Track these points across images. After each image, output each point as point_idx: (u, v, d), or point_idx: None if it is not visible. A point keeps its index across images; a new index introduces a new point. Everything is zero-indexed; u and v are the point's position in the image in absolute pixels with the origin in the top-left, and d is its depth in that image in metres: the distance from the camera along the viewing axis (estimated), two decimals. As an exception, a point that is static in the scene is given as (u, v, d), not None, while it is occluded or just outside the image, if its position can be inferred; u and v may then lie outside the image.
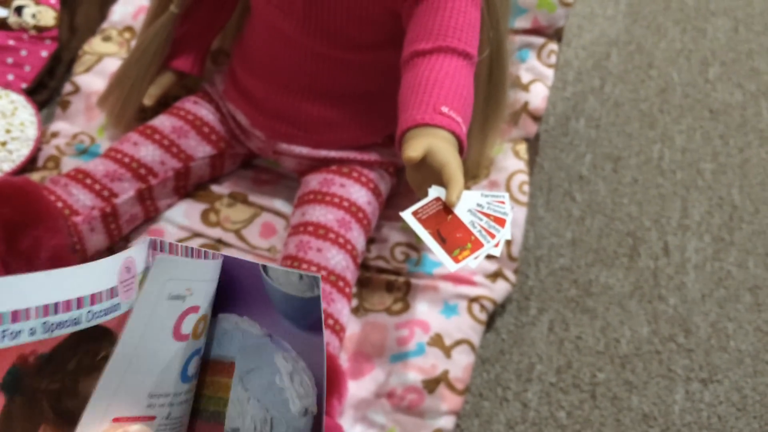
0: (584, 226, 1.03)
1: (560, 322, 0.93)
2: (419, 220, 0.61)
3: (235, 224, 0.91)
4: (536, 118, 1.00)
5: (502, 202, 0.63)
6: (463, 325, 0.84)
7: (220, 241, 0.90)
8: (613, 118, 1.18)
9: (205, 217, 0.91)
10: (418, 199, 0.66)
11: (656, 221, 1.05)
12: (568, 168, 1.10)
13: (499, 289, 0.88)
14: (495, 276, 0.89)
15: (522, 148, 0.99)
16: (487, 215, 0.61)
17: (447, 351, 0.82)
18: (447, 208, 0.61)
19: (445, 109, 0.67)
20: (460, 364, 0.82)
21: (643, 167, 1.12)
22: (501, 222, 0.61)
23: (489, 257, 0.88)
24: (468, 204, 0.62)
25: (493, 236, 0.60)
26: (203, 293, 0.30)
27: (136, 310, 0.27)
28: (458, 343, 0.83)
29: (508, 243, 0.91)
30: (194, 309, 0.29)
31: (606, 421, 0.85)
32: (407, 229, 0.91)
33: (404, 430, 0.77)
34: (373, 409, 0.78)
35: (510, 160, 0.97)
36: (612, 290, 0.97)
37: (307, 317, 0.31)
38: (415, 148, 0.63)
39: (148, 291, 0.27)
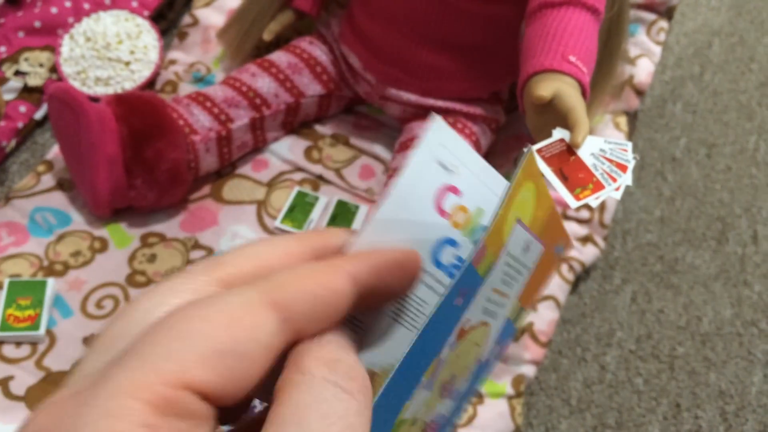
0: (674, 206, 1.03)
1: (643, 294, 0.94)
2: (543, 157, 0.62)
3: (336, 163, 0.94)
4: (639, 92, 1.01)
5: (625, 150, 0.64)
6: (551, 283, 0.86)
7: (320, 177, 0.93)
8: (710, 105, 1.18)
9: (308, 153, 0.95)
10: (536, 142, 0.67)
11: (747, 210, 1.04)
12: (662, 149, 1.10)
13: (588, 253, 0.90)
14: (585, 240, 0.90)
15: (622, 120, 0.99)
16: (610, 160, 0.63)
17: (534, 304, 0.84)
18: (570, 150, 0.63)
19: (572, 58, 0.68)
20: (544, 318, 0.83)
21: (738, 156, 1.11)
22: (623, 168, 0.62)
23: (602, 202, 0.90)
24: (591, 148, 0.63)
25: (614, 180, 0.61)
26: (468, 184, 0.30)
27: (410, 164, 0.28)
28: (545, 298, 0.85)
29: (601, 210, 0.92)
30: (455, 191, 0.29)
31: (682, 393, 0.86)
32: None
33: (488, 372, 0.79)
34: (459, 349, 0.81)
35: (609, 131, 0.98)
36: (697, 270, 0.97)
37: None
38: (545, 88, 0.65)
39: (423, 148, 0.28)
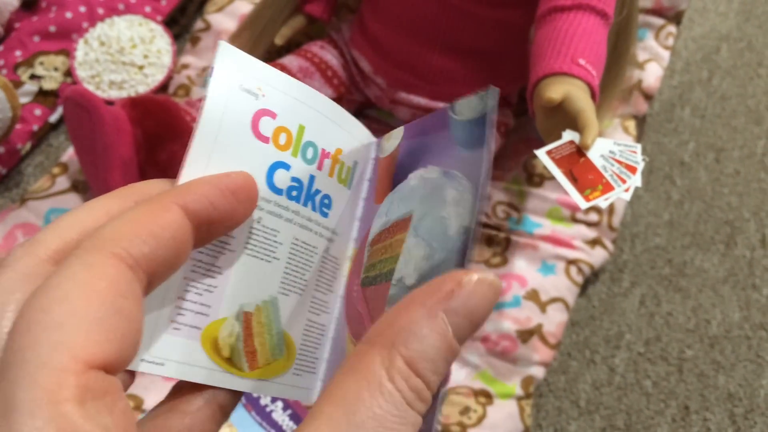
0: (683, 209, 1.04)
1: (652, 297, 0.94)
2: (552, 159, 0.63)
3: (347, 166, 0.95)
4: (648, 96, 1.02)
5: (634, 152, 0.65)
6: (560, 285, 0.87)
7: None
8: (719, 110, 1.18)
9: (319, 156, 0.96)
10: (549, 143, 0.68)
11: (755, 213, 1.05)
12: (671, 153, 1.11)
13: (597, 256, 0.90)
14: (594, 243, 0.91)
15: (631, 124, 1.00)
16: (619, 162, 0.64)
17: (542, 306, 0.85)
18: (580, 151, 0.64)
19: (582, 61, 0.69)
20: (554, 320, 0.84)
21: (746, 161, 1.11)
22: (632, 169, 0.63)
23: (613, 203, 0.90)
24: (600, 150, 0.64)
25: (624, 181, 0.62)
26: (281, 104, 0.29)
27: (209, 92, 0.27)
28: (554, 300, 0.85)
29: (610, 213, 0.93)
30: (270, 113, 0.29)
31: (691, 395, 0.86)
32: (510, 189, 0.94)
33: (497, 373, 0.80)
34: (468, 350, 0.81)
35: (618, 135, 0.99)
36: (706, 273, 0.97)
37: (475, 135, 0.29)
38: (555, 91, 0.65)
39: (217, 76, 0.27)
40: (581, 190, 0.62)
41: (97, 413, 0.17)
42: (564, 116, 0.66)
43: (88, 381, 0.17)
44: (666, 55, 1.03)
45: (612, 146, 0.65)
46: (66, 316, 0.18)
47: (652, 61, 1.02)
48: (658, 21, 1.04)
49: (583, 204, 0.61)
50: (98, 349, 0.18)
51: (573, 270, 0.88)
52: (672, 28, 1.04)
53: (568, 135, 0.65)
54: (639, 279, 0.96)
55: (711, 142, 1.13)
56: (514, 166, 0.97)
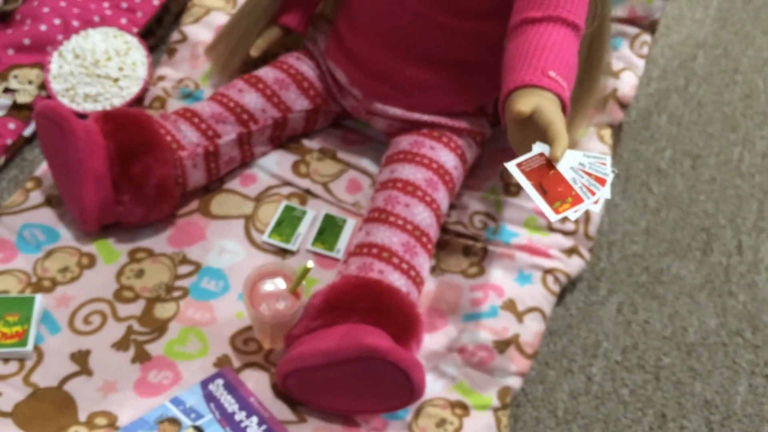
0: (659, 217, 1.04)
1: (629, 305, 0.94)
2: (523, 171, 0.63)
3: (324, 177, 0.95)
4: (623, 105, 1.02)
5: (604, 164, 0.65)
6: (537, 294, 0.87)
7: (308, 192, 0.94)
8: (695, 117, 1.19)
9: (295, 167, 0.96)
10: (514, 158, 0.68)
11: (732, 220, 1.05)
12: (647, 160, 1.11)
13: (574, 265, 0.91)
14: (570, 252, 0.91)
15: (606, 133, 1.01)
16: (589, 174, 0.64)
17: (519, 316, 0.85)
18: (550, 164, 0.64)
19: (552, 74, 0.69)
20: (530, 330, 0.84)
21: (722, 167, 1.12)
22: (602, 181, 0.63)
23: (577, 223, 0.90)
24: (570, 162, 0.64)
25: (593, 193, 0.62)
26: None
27: None
28: (530, 310, 0.85)
29: (586, 222, 0.93)
30: None
31: (668, 403, 0.87)
32: (487, 199, 0.94)
33: (473, 384, 0.80)
34: (445, 361, 0.81)
35: (594, 143, 0.99)
36: (683, 281, 0.98)
37: None
38: (524, 104, 0.66)
39: None
40: (551, 202, 0.62)
41: None
42: (534, 129, 0.67)
43: None
44: (641, 63, 1.04)
45: (582, 158, 0.66)
46: None
47: (627, 70, 1.03)
48: (632, 30, 1.05)
49: (553, 216, 0.61)
50: None
51: (550, 279, 0.88)
52: (647, 37, 1.05)
53: (538, 147, 0.65)
54: (616, 287, 0.96)
55: (687, 150, 1.14)
56: (491, 175, 0.97)
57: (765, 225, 1.05)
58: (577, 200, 0.62)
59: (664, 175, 1.10)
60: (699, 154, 1.13)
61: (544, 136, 0.66)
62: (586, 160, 0.66)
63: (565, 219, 0.62)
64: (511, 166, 0.64)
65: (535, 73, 0.69)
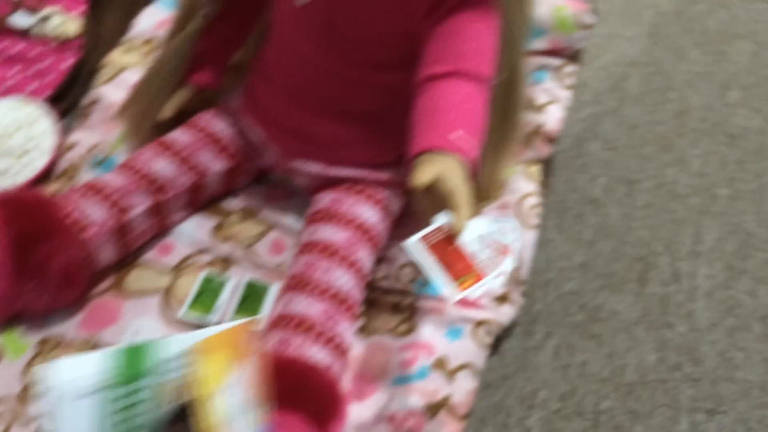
0: (595, 249, 1.03)
1: (566, 347, 0.93)
2: (427, 245, 0.61)
3: (246, 239, 0.92)
4: (550, 140, 1.01)
5: (508, 231, 0.63)
6: (468, 349, 0.85)
7: (226, 260, 0.91)
8: (628, 140, 1.18)
9: (216, 232, 0.93)
10: (425, 225, 0.66)
11: (668, 246, 1.04)
12: (581, 190, 1.10)
13: (505, 313, 0.89)
14: (502, 299, 0.89)
15: (535, 170, 0.99)
16: (492, 244, 0.62)
17: (450, 375, 0.83)
18: (452, 237, 0.62)
19: (455, 135, 0.67)
20: (462, 389, 0.82)
21: (657, 191, 1.11)
22: (505, 251, 0.61)
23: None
24: (474, 232, 0.62)
25: (495, 268, 0.60)
26: None
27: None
28: (462, 367, 0.83)
29: (518, 266, 0.91)
30: None
31: (608, 450, 0.85)
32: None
33: (404, 454, 0.77)
34: None
35: (522, 182, 0.97)
36: (620, 316, 0.96)
37: None
38: (424, 174, 0.64)
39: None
40: (455, 278, 0.60)
41: None
42: (439, 196, 0.64)
43: None
44: (567, 95, 1.02)
45: (487, 226, 0.64)
46: None
47: (553, 104, 1.01)
48: (555, 62, 1.03)
49: (455, 296, 0.59)
50: None
51: (481, 332, 0.86)
52: (571, 68, 1.03)
53: (442, 219, 0.63)
54: (553, 329, 0.94)
55: (622, 175, 1.13)
56: (419, 224, 0.95)
57: (701, 248, 1.04)
58: (479, 277, 0.60)
59: (599, 204, 1.09)
60: (633, 179, 1.12)
61: (447, 205, 0.64)
62: (493, 227, 0.64)
63: (464, 298, 0.60)
64: (413, 242, 0.62)
65: (437, 136, 0.67)
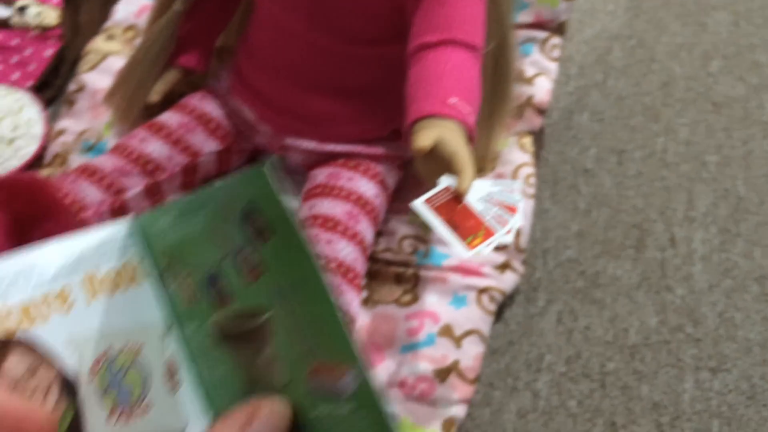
0: (590, 218, 1.03)
1: (568, 312, 0.93)
2: (432, 207, 0.61)
3: (243, 219, 0.91)
4: (541, 111, 1.01)
5: (513, 191, 0.63)
6: (473, 316, 0.84)
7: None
8: (616, 111, 1.18)
9: (212, 212, 0.92)
10: (428, 190, 0.66)
11: (662, 213, 1.05)
12: (573, 161, 1.10)
13: (508, 280, 0.89)
14: (503, 267, 0.89)
15: (527, 141, 0.99)
16: (499, 203, 0.62)
17: (457, 341, 0.82)
18: (458, 197, 0.62)
19: (452, 101, 0.67)
20: (470, 354, 0.82)
21: (648, 160, 1.12)
22: (512, 210, 0.61)
23: (499, 247, 0.88)
24: (479, 193, 0.62)
25: (504, 224, 0.60)
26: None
27: None
28: (468, 333, 0.83)
29: (517, 234, 0.92)
30: None
31: (616, 410, 0.85)
32: (414, 222, 0.92)
33: (417, 419, 0.77)
34: (385, 399, 0.78)
35: (515, 153, 0.98)
36: (619, 281, 0.97)
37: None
38: (424, 138, 0.63)
39: None
40: (464, 237, 0.60)
41: None
42: (440, 160, 0.64)
43: None
44: (554, 67, 1.03)
45: (490, 187, 0.63)
46: None
47: (541, 75, 1.01)
48: (541, 34, 1.04)
49: (466, 253, 0.59)
50: None
51: (485, 299, 0.86)
52: (556, 40, 1.04)
53: (446, 181, 0.63)
54: (554, 296, 0.94)
55: (612, 146, 1.13)
56: (416, 197, 0.94)
57: (695, 214, 1.05)
58: (489, 233, 0.60)
59: (591, 174, 1.09)
60: (623, 149, 1.13)
61: (449, 168, 0.63)
62: (494, 189, 0.64)
63: (478, 255, 0.60)
64: (418, 204, 0.61)
65: (435, 102, 0.67)
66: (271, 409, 0.24)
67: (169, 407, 0.27)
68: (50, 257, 0.28)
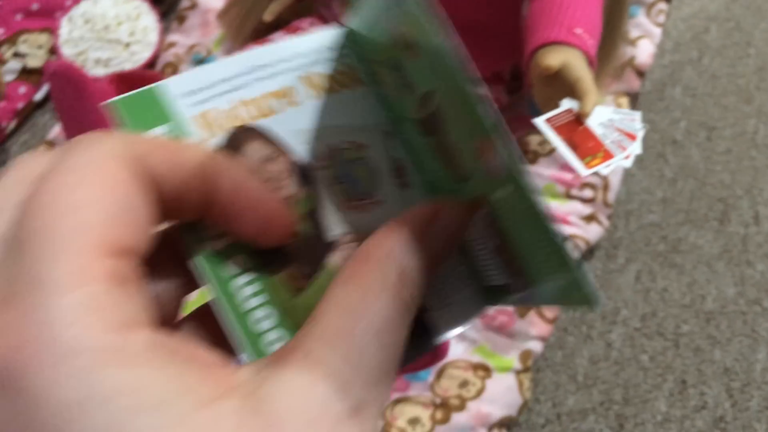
0: (676, 187, 1.04)
1: (647, 273, 0.94)
2: (552, 127, 0.62)
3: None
4: (640, 73, 1.01)
5: (634, 120, 0.64)
6: (556, 260, 0.86)
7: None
8: (709, 89, 1.18)
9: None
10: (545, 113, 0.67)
11: (748, 191, 1.05)
12: (662, 131, 1.10)
13: (593, 231, 0.90)
14: (589, 219, 0.90)
15: (624, 101, 1.00)
16: (619, 129, 0.63)
17: (539, 282, 0.84)
18: (579, 120, 0.63)
19: (578, 31, 0.68)
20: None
21: (738, 139, 1.11)
22: (632, 137, 0.62)
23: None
24: (600, 118, 0.63)
25: (624, 149, 0.61)
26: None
27: None
28: (550, 275, 0.85)
29: (604, 189, 0.92)
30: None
31: (688, 370, 0.86)
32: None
33: (495, 347, 0.79)
34: (465, 326, 0.80)
35: (611, 111, 0.98)
36: (701, 250, 0.97)
37: None
38: (552, 58, 0.64)
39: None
40: (582, 157, 0.61)
41: (121, 298, 0.16)
42: (562, 85, 0.65)
43: (113, 265, 0.16)
44: (657, 32, 1.03)
45: (611, 114, 0.65)
46: (85, 198, 0.16)
47: (644, 38, 1.02)
48: (649, -2, 1.03)
49: (584, 171, 0.60)
50: (120, 233, 0.17)
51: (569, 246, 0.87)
52: (663, 5, 1.04)
53: (567, 103, 0.64)
54: (634, 255, 0.95)
55: (702, 121, 1.13)
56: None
57: (781, 196, 1.05)
58: (608, 155, 0.61)
59: (680, 146, 1.09)
60: (714, 126, 1.13)
61: (572, 93, 0.65)
62: (615, 116, 0.65)
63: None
64: (541, 121, 0.63)
65: (561, 30, 0.68)
66: (450, 213, 0.22)
67: (400, 206, 0.28)
68: (269, 57, 0.29)
